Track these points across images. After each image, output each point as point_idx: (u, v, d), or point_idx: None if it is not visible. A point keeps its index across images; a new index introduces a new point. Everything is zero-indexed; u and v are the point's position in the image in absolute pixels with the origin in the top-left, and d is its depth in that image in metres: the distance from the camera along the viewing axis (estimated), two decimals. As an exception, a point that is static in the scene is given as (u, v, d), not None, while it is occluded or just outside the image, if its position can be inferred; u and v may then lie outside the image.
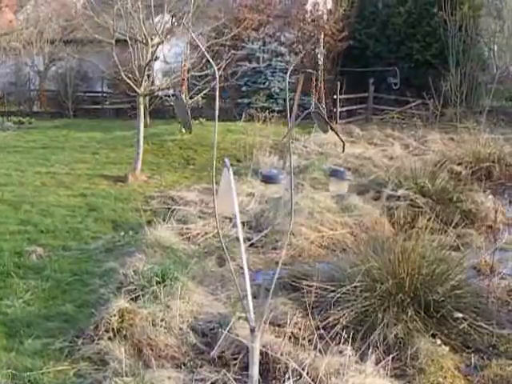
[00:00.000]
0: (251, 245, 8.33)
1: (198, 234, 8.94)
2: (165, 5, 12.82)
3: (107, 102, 25.73)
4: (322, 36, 20.26)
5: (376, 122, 21.92)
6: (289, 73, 5.86)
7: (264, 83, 23.08)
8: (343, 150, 15.37)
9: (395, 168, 12.44)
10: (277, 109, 21.62)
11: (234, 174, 12.81)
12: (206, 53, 4.81)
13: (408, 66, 25.26)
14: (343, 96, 22.25)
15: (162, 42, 12.62)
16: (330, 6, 26.16)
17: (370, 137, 19.01)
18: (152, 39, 12.57)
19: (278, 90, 23.37)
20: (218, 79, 4.48)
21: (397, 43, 25.68)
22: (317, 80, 18.08)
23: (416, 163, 12.70)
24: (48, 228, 9.24)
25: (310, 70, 18.18)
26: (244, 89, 23.06)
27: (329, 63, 24.40)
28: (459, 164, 13.40)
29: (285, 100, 23.64)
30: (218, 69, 17.51)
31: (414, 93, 23.71)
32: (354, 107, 23.66)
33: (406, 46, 25.55)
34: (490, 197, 10.97)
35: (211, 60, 4.46)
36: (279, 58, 23.76)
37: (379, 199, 10.72)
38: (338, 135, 13.91)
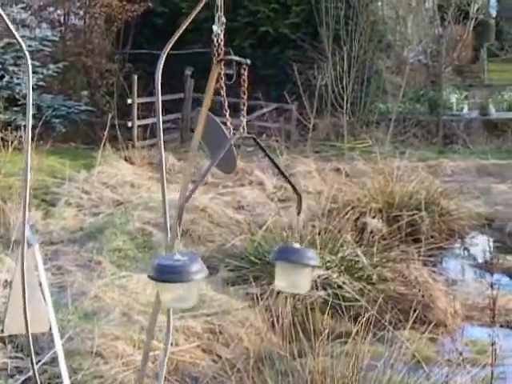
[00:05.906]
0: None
1: None
2: None
3: None
4: None
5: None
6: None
7: (1, 78, 12.95)
8: (299, 211, 6.26)
9: (258, 227, 8.02)
10: (23, 123, 10.98)
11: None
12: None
13: (251, 43, 15.97)
14: (141, 100, 14.02)
15: None
16: None
17: (194, 171, 11.65)
18: None
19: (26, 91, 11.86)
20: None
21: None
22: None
23: (291, 216, 8.38)
24: None
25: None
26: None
27: (108, 42, 15.99)
28: (361, 215, 8.53)
29: (37, 110, 12.76)
30: None
31: (262, 91, 14.29)
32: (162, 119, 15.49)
33: (248, 10, 15.99)
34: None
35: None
36: (27, 32, 14.26)
37: (240, 283, 6.70)
38: (291, 184, 5.61)
